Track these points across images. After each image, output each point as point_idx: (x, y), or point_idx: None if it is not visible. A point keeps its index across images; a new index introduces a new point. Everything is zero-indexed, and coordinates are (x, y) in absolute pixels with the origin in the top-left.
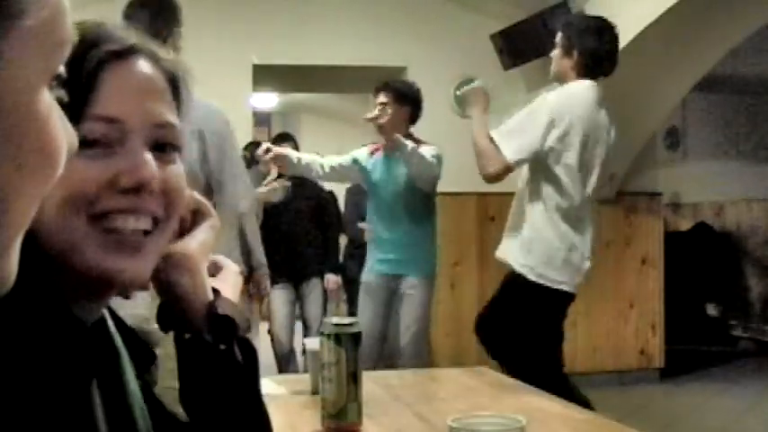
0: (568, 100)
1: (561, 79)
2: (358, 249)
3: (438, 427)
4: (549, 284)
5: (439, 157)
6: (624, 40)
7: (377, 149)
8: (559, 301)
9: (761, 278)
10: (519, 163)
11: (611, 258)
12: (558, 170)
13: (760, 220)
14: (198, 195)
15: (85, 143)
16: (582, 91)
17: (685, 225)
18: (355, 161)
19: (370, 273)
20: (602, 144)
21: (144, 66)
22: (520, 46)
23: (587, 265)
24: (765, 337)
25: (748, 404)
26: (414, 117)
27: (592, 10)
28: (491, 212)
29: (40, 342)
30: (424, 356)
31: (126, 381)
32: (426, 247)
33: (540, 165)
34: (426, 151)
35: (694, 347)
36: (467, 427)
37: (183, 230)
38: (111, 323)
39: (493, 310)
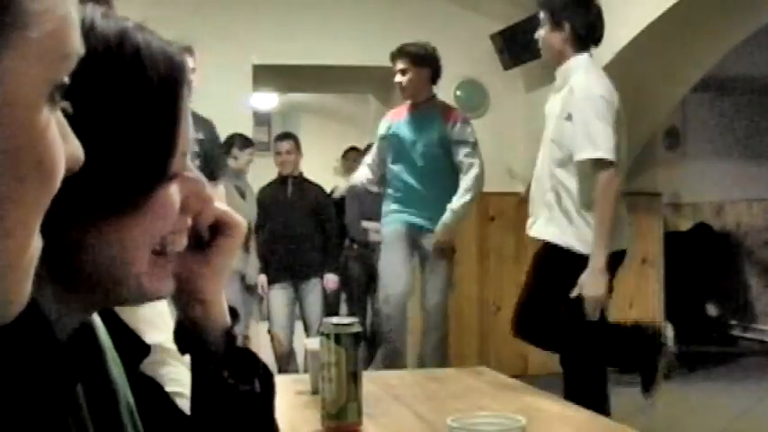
0: (603, 82)
1: (556, 57)
2: (360, 249)
3: (438, 427)
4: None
5: (473, 145)
6: (624, 40)
7: (398, 113)
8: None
9: (761, 278)
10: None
11: None
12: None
13: (760, 220)
14: (221, 207)
15: (171, 175)
16: (598, 70)
17: (685, 225)
18: (383, 138)
19: (396, 223)
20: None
21: None
22: (520, 46)
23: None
24: (765, 337)
25: (748, 404)
26: (435, 77)
27: None
28: (491, 212)
29: (17, 361)
30: (443, 329)
31: (112, 379)
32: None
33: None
34: (463, 137)
35: (694, 347)
36: (467, 427)
37: (201, 246)
38: (96, 320)
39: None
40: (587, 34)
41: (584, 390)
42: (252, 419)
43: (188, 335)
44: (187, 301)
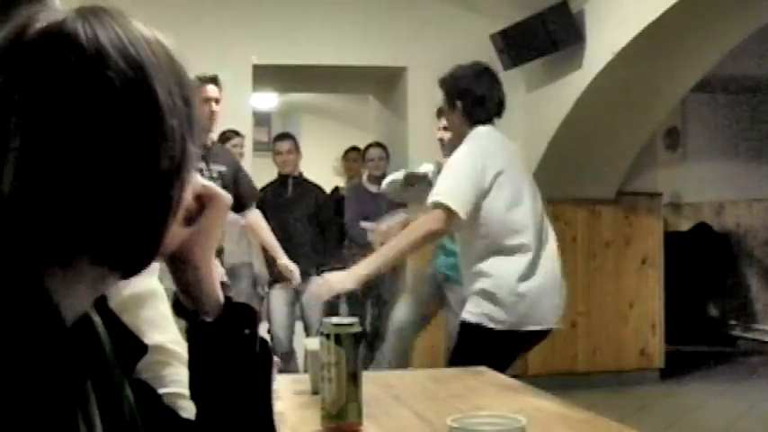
0: (484, 144)
1: (459, 137)
2: (360, 249)
3: (438, 427)
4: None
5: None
6: (624, 39)
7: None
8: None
9: (761, 278)
10: (467, 213)
11: (611, 258)
12: (491, 211)
13: (760, 220)
14: (201, 181)
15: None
16: (487, 133)
17: (685, 225)
18: (425, 177)
19: (429, 267)
20: (526, 171)
21: None
22: (520, 46)
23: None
24: (765, 337)
25: (748, 404)
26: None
27: (592, 10)
28: None
29: (29, 351)
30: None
31: (112, 375)
32: None
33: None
34: None
35: (694, 347)
36: (467, 427)
37: (190, 219)
38: (96, 316)
39: None
40: (481, 109)
41: None
42: (251, 381)
43: (183, 301)
44: (180, 268)
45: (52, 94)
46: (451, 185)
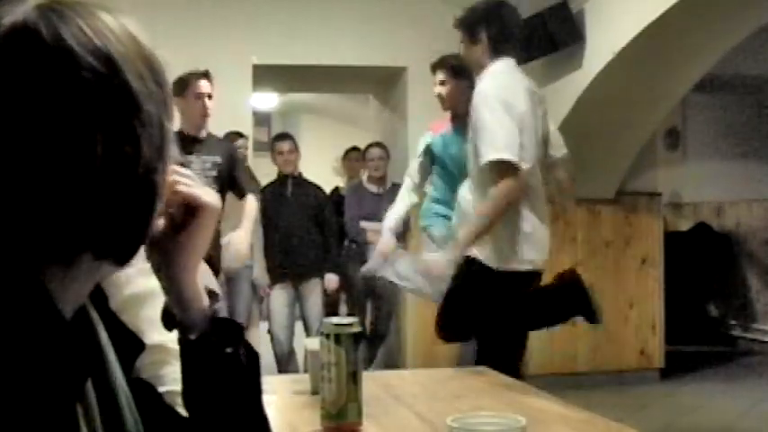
0: (504, 84)
1: (478, 70)
2: (359, 249)
3: (438, 427)
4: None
5: None
6: (624, 39)
7: (440, 126)
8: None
9: (761, 278)
10: (521, 159)
11: (611, 258)
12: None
13: (760, 220)
14: (189, 189)
15: None
16: (505, 70)
17: (685, 225)
18: (426, 153)
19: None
20: (542, 110)
21: None
22: (520, 46)
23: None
24: (765, 337)
25: (748, 404)
26: (473, 89)
27: (592, 10)
28: None
29: (32, 349)
30: None
31: (111, 373)
32: None
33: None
34: None
35: (694, 347)
36: (467, 427)
37: (175, 227)
38: (94, 314)
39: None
40: (505, 40)
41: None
42: (239, 392)
43: (173, 308)
44: (165, 279)
45: (26, 98)
46: (502, 134)
